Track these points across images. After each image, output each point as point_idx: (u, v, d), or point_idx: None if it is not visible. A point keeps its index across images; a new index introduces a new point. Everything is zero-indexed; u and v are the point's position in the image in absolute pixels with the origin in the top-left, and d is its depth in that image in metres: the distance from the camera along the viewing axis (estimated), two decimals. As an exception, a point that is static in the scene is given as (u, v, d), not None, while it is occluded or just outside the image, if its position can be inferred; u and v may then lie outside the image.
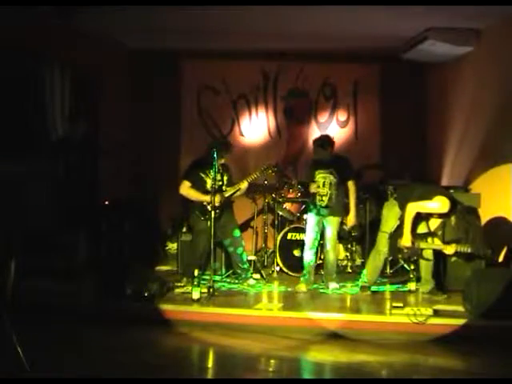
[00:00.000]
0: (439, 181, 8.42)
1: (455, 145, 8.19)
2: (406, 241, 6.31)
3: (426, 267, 6.56)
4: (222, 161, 6.88)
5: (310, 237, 6.89)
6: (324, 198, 6.74)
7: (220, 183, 6.85)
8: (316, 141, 7.00)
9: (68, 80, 7.66)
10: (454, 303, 5.99)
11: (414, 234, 6.38)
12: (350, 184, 6.85)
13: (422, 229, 6.48)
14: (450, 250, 6.24)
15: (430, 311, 5.55)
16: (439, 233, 6.40)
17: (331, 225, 6.83)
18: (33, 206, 6.73)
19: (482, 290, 5.56)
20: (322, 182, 6.77)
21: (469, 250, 6.21)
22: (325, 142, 6.89)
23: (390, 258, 6.68)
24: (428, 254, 6.50)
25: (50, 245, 6.65)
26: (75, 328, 5.52)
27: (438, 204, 6.20)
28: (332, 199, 6.75)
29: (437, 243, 6.38)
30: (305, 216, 7.33)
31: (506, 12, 6.51)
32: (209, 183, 6.77)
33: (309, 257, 6.90)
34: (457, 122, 8.15)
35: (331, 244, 6.85)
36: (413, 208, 6.28)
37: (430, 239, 6.41)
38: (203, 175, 6.82)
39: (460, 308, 5.79)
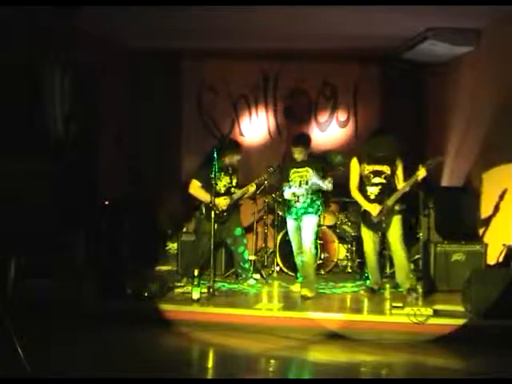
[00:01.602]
0: (439, 181, 8.40)
1: (455, 145, 8.19)
2: (374, 211, 6.29)
3: (398, 268, 6.45)
4: (234, 162, 6.86)
5: (295, 242, 6.81)
6: (301, 199, 6.57)
7: (229, 185, 6.85)
8: (292, 141, 6.89)
9: (68, 80, 7.65)
10: (453, 303, 5.99)
11: (374, 202, 6.32)
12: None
13: (373, 193, 6.38)
14: (421, 173, 6.11)
15: (429, 311, 5.55)
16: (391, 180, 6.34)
17: (309, 225, 6.60)
18: (33, 206, 6.72)
19: (481, 290, 5.57)
20: (299, 182, 6.59)
21: (438, 159, 6.29)
22: (300, 140, 6.74)
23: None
24: (398, 207, 6.33)
25: (49, 245, 6.65)
26: (75, 328, 5.52)
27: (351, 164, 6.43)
28: (309, 199, 6.56)
29: (402, 186, 6.27)
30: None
31: (506, 12, 6.51)
32: (219, 185, 6.76)
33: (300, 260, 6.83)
34: (457, 121, 8.14)
35: (308, 245, 6.59)
36: (352, 187, 6.41)
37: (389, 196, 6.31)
38: (213, 176, 6.69)
39: (460, 308, 5.79)
